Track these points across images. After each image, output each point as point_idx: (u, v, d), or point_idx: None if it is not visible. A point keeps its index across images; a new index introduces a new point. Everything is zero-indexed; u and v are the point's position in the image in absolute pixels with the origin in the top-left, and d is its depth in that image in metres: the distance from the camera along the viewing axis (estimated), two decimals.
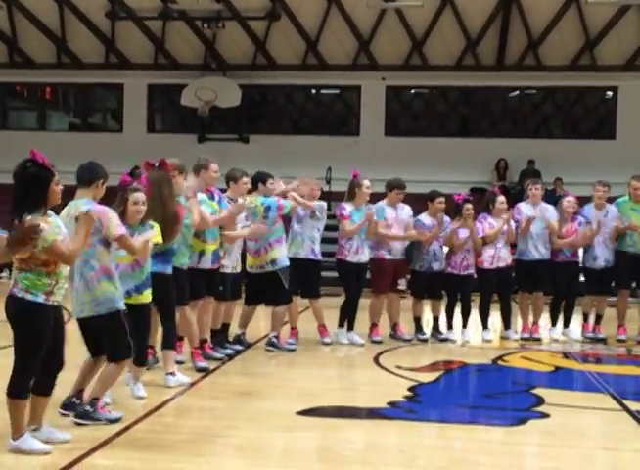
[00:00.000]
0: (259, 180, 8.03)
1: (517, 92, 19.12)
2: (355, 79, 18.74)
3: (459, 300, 9.01)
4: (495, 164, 18.12)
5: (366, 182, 8.47)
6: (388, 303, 8.92)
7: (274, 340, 8.08)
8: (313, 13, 17.47)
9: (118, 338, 5.15)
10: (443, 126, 19.68)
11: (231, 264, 7.60)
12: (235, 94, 18.01)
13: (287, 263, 7.99)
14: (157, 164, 6.23)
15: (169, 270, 6.31)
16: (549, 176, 17.19)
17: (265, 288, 7.97)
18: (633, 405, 5.97)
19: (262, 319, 8.73)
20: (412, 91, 19.74)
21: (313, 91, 19.89)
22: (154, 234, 5.68)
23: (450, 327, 9.07)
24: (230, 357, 7.58)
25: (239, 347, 7.98)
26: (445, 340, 8.93)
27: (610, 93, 18.51)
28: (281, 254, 7.96)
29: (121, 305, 5.19)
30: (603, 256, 9.09)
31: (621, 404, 6.06)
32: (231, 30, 17.45)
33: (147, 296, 5.76)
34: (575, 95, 18.98)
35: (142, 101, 19.44)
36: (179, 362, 6.82)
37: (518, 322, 9.35)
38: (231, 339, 8.03)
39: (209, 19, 17.04)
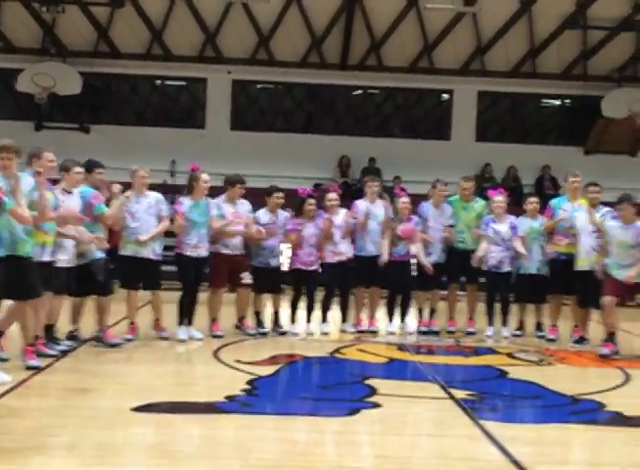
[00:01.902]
0: (86, 168, 7.80)
1: (360, 91, 19.63)
2: (201, 72, 18.57)
3: (304, 294, 9.19)
4: (338, 161, 18.53)
5: (204, 176, 8.42)
6: (237, 296, 8.96)
7: (102, 335, 7.86)
8: (158, 2, 17.16)
9: None
10: (289, 122, 19.90)
11: (67, 258, 7.36)
12: (75, 82, 17.36)
13: (98, 256, 7.76)
14: None
15: None
16: (389, 174, 17.78)
17: (85, 279, 7.73)
18: (458, 393, 6.31)
19: None
20: (258, 86, 19.81)
21: (158, 82, 19.54)
22: None
23: (293, 321, 9.21)
24: (64, 354, 7.36)
25: (72, 343, 7.75)
26: (284, 333, 9.07)
27: (446, 96, 19.36)
28: (91, 247, 7.71)
29: None
30: (436, 252, 9.51)
31: (448, 393, 6.38)
32: (72, 15, 16.79)
33: None
34: (415, 96, 19.72)
35: None
36: (2, 360, 6.57)
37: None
38: (64, 336, 7.80)
39: (48, 1, 16.32)
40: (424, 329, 9.55)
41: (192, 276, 8.42)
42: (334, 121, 19.82)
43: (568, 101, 19.71)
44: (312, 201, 9.06)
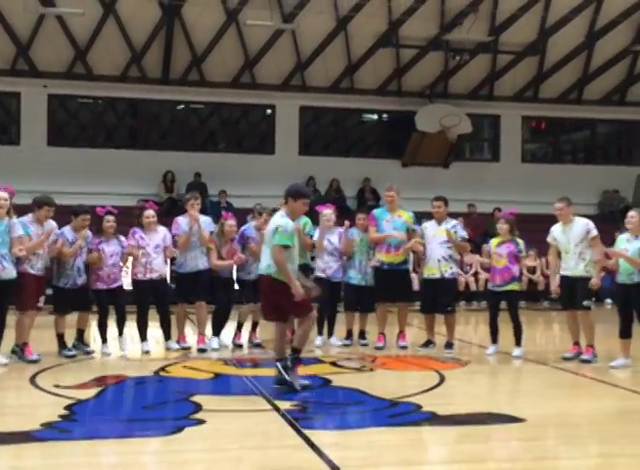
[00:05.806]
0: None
1: (182, 106, 19.50)
2: (14, 86, 17.78)
3: (116, 312, 9.03)
4: (163, 176, 18.28)
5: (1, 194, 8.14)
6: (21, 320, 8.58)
7: None
8: None
9: None
10: (111, 137, 19.43)
11: None
12: None
13: None
14: None
15: None
16: (214, 189, 17.78)
17: None
18: (282, 405, 6.38)
19: None
20: (78, 100, 19.20)
21: None
22: None
23: (104, 341, 9.04)
24: None
25: None
26: (91, 353, 8.93)
27: (269, 111, 19.61)
28: None
29: None
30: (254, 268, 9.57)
31: (272, 405, 6.43)
32: None
33: None
34: (239, 111, 19.83)
35: None
36: None
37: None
38: None
39: None
40: (237, 343, 9.67)
41: None
42: (158, 136, 19.58)
43: (385, 116, 20.54)
44: (110, 218, 8.95)
